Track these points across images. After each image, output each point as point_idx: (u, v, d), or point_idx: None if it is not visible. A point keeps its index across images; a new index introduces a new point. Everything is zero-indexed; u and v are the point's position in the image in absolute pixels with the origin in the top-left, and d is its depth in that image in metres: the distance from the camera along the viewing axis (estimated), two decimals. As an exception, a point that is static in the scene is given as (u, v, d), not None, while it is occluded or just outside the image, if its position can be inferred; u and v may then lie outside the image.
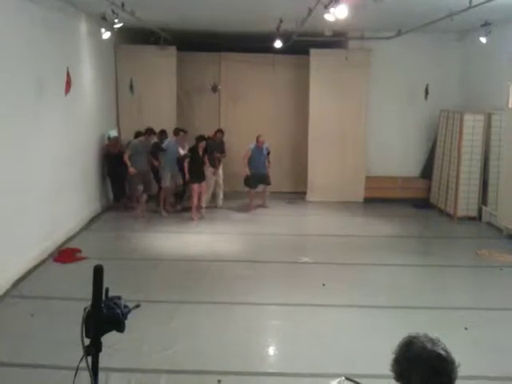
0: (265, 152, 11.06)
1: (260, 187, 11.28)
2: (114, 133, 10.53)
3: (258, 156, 10.96)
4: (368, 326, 5.83)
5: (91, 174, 10.07)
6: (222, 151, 11.33)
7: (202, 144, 10.22)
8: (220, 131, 11.59)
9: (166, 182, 10.47)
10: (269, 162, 11.21)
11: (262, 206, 11.22)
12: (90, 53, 9.96)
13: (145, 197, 10.43)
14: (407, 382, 2.04)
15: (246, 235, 9.50)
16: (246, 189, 11.21)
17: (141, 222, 10.16)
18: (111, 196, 11.15)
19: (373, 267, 8.02)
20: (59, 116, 8.37)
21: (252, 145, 11.00)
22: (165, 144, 10.58)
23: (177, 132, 10.80)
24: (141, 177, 10.25)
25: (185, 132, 10.91)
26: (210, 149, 10.65)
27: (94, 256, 7.64)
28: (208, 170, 10.72)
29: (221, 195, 11.33)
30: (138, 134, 10.89)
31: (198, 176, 10.26)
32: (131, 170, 10.05)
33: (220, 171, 11.25)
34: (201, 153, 10.25)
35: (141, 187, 10.26)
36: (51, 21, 7.93)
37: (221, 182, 11.29)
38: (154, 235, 9.27)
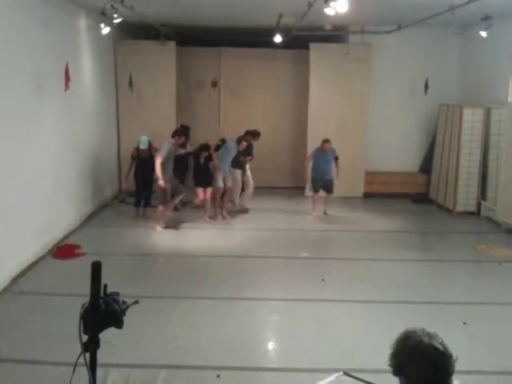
0: (331, 157, 10.34)
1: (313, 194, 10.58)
2: (145, 138, 9.69)
3: (321, 161, 10.32)
4: (366, 321, 5.85)
5: (91, 169, 10.05)
6: (250, 154, 10.62)
7: (205, 154, 9.84)
8: (259, 134, 10.82)
9: (219, 182, 9.98)
10: (337, 167, 10.41)
11: (325, 213, 10.55)
12: (89, 48, 9.94)
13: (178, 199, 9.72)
14: (405, 377, 2.04)
15: (245, 231, 9.51)
16: (310, 193, 10.85)
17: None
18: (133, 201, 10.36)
19: (372, 262, 8.03)
20: (58, 112, 8.36)
21: (315, 149, 10.45)
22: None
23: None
24: (170, 185, 9.30)
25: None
26: (239, 154, 10.22)
27: (93, 252, 7.64)
28: (236, 172, 10.33)
29: (248, 195, 10.78)
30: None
31: (202, 181, 9.91)
32: (162, 183, 8.89)
33: (248, 172, 10.73)
34: (202, 161, 9.87)
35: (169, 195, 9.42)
36: (50, 16, 7.91)
37: (251, 181, 10.77)
38: (153, 231, 9.26)
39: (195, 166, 10.07)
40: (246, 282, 6.99)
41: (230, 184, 10.17)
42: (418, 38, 11.49)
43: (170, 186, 9.22)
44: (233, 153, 10.10)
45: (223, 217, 10.07)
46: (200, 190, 9.92)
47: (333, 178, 10.47)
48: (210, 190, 9.96)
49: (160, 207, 9.25)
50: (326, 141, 10.22)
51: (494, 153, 10.23)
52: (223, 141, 10.26)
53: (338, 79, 11.80)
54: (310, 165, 10.52)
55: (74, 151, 9.12)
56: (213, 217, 10.00)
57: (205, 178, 9.90)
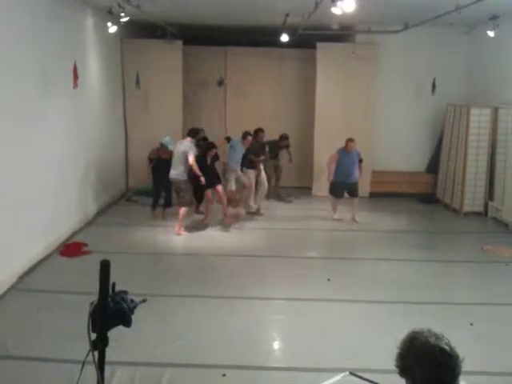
0: (355, 158, 9.72)
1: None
2: (168, 139, 9.52)
3: (345, 162, 9.63)
4: (372, 321, 5.84)
5: (97, 167, 10.08)
6: (262, 153, 10.46)
7: (211, 152, 9.41)
8: (261, 130, 10.67)
9: (231, 185, 9.76)
10: (360, 170, 9.91)
11: (354, 220, 9.86)
12: (96, 47, 9.97)
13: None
14: (411, 377, 2.05)
15: (252, 230, 9.52)
16: (331, 197, 10.13)
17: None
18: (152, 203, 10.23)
19: (378, 262, 8.02)
20: (66, 110, 8.39)
21: (339, 149, 9.78)
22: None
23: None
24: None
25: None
26: (249, 152, 10.10)
27: (99, 250, 7.67)
28: (249, 173, 10.13)
29: (261, 196, 10.51)
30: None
31: (210, 181, 9.45)
32: (203, 179, 8.90)
33: (263, 173, 10.51)
34: (209, 161, 9.45)
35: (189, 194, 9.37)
36: (57, 15, 7.94)
37: (265, 182, 10.50)
38: (160, 230, 9.28)
39: (202, 167, 9.62)
40: (252, 281, 6.99)
41: (246, 181, 9.98)
42: (424, 37, 11.44)
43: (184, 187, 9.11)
44: (238, 150, 9.91)
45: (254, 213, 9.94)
46: (208, 191, 9.64)
47: (357, 180, 9.82)
48: (219, 187, 9.52)
49: (182, 210, 8.96)
50: (350, 140, 9.63)
51: (502, 153, 10.18)
52: (228, 139, 10.21)
53: (344, 79, 11.78)
54: (333, 166, 9.77)
55: (82, 149, 9.15)
56: (234, 216, 9.79)
57: (212, 177, 9.61)
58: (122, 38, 11.59)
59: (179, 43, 12.05)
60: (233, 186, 9.79)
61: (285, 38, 11.08)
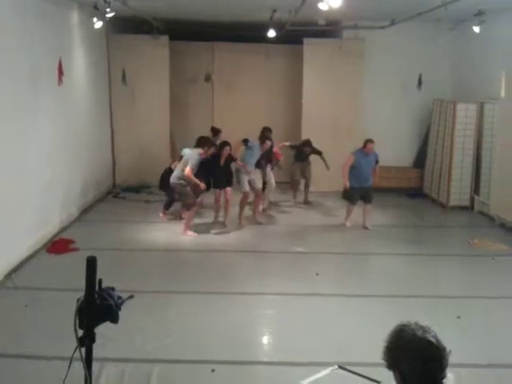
0: (373, 161, 9.06)
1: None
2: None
3: (363, 165, 8.93)
4: (360, 315, 5.87)
5: (85, 164, 10.01)
6: (270, 154, 10.10)
7: (225, 152, 9.07)
8: (268, 129, 10.23)
9: (245, 186, 9.42)
10: (375, 173, 9.17)
11: (365, 227, 9.24)
12: (82, 43, 9.88)
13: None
14: (398, 370, 2.06)
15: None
16: (347, 203, 9.46)
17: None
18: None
19: (366, 256, 8.07)
20: (52, 107, 8.32)
21: (356, 150, 9.13)
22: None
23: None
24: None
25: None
26: (262, 156, 9.72)
27: (87, 247, 7.61)
28: (254, 174, 9.63)
29: (267, 197, 10.27)
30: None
31: (222, 181, 9.34)
32: (202, 185, 8.67)
33: (271, 174, 10.33)
34: (223, 161, 9.17)
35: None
36: (43, 10, 7.86)
37: (273, 183, 10.30)
38: (148, 226, 9.25)
39: (215, 166, 9.24)
40: (241, 276, 7.01)
41: (259, 186, 9.65)
42: (411, 33, 11.49)
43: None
44: (256, 153, 9.54)
45: (258, 222, 9.51)
46: (217, 192, 9.45)
47: (372, 184, 9.16)
48: (228, 189, 9.29)
49: (188, 213, 8.79)
50: (370, 141, 8.89)
51: (488, 148, 10.27)
52: (246, 141, 9.65)
53: (331, 74, 11.79)
54: (347, 170, 9.03)
55: (68, 146, 9.07)
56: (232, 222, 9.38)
57: (223, 178, 9.30)
58: (107, 34, 11.49)
59: (165, 38, 11.98)
60: (246, 188, 9.43)
61: (272, 33, 11.07)
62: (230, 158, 9.28)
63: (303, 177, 11.07)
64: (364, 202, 9.20)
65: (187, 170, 8.44)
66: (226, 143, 9.24)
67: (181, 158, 8.97)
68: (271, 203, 10.67)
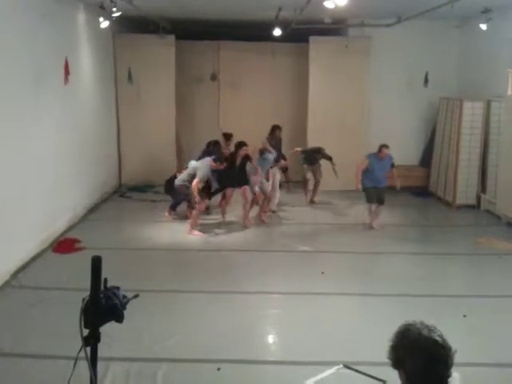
0: (387, 164, 9.15)
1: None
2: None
3: (377, 168, 9.04)
4: (366, 314, 5.86)
5: (91, 164, 10.04)
6: (279, 150, 10.21)
7: (242, 151, 9.07)
8: (278, 127, 10.48)
9: (255, 187, 9.37)
10: (393, 176, 9.25)
11: (370, 225, 9.22)
12: (88, 42, 9.91)
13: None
14: (404, 369, 2.05)
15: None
16: (366, 204, 9.41)
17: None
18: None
19: (372, 255, 8.04)
20: (58, 106, 8.34)
21: (370, 154, 9.26)
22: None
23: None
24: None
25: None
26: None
27: (93, 246, 7.64)
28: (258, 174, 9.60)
29: (274, 200, 10.20)
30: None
31: (235, 181, 9.26)
32: (199, 203, 8.71)
33: (278, 175, 10.38)
34: (238, 161, 9.14)
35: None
36: (49, 10, 7.87)
37: (277, 182, 10.30)
38: (154, 225, 9.26)
39: (229, 166, 9.11)
40: (246, 275, 7.00)
41: (268, 190, 9.68)
42: (417, 31, 11.45)
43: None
44: (267, 165, 9.73)
45: (262, 221, 9.49)
46: (229, 190, 9.38)
47: (385, 186, 9.22)
48: (245, 188, 9.19)
49: (194, 212, 8.77)
50: (385, 146, 9.03)
51: (494, 146, 10.22)
52: (262, 151, 9.75)
53: (337, 73, 11.77)
54: (360, 174, 9.08)
55: (74, 145, 9.10)
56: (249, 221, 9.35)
57: (238, 177, 9.22)
58: (114, 34, 11.52)
59: (171, 38, 11.99)
60: (257, 189, 9.41)
61: (278, 32, 11.06)
62: (247, 158, 9.25)
63: (314, 177, 11.08)
64: (377, 202, 9.22)
65: (194, 183, 8.49)
66: (243, 143, 9.21)
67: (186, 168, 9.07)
68: (280, 204, 10.63)
